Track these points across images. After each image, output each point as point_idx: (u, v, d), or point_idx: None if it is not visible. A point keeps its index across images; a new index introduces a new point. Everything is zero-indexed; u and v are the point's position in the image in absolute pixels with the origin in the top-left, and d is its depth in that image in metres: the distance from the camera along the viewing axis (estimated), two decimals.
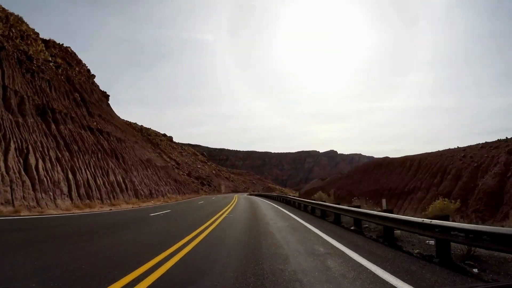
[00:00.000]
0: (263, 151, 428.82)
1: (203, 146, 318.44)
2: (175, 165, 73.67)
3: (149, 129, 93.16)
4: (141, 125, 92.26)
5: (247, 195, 69.11)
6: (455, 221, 6.94)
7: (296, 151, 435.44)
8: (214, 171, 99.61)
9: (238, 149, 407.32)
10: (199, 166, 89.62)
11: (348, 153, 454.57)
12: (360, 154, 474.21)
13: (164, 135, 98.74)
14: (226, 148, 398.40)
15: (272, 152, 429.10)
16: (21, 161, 17.30)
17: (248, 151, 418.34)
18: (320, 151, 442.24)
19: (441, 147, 44.26)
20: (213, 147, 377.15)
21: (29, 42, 30.10)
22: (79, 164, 22.94)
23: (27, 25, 31.99)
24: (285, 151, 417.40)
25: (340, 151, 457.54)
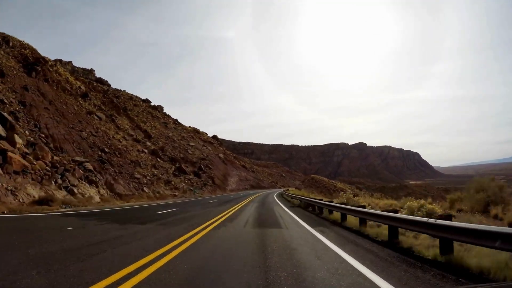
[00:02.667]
0: (290, 144, 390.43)
1: (227, 140, 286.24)
2: (143, 137, 38.62)
3: (120, 91, 59.26)
4: (114, 88, 58.42)
5: (277, 197, 31.53)
6: None
7: (324, 143, 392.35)
8: (221, 155, 62.73)
9: (264, 143, 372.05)
10: (192, 144, 53.72)
11: (378, 145, 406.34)
12: (389, 146, 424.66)
13: (146, 100, 63.93)
14: (251, 141, 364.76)
15: (300, 145, 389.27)
16: None
17: (274, 144, 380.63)
18: (349, 144, 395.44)
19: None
20: (238, 141, 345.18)
21: None
22: None
23: None
24: (312, 144, 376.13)
25: (369, 143, 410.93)
